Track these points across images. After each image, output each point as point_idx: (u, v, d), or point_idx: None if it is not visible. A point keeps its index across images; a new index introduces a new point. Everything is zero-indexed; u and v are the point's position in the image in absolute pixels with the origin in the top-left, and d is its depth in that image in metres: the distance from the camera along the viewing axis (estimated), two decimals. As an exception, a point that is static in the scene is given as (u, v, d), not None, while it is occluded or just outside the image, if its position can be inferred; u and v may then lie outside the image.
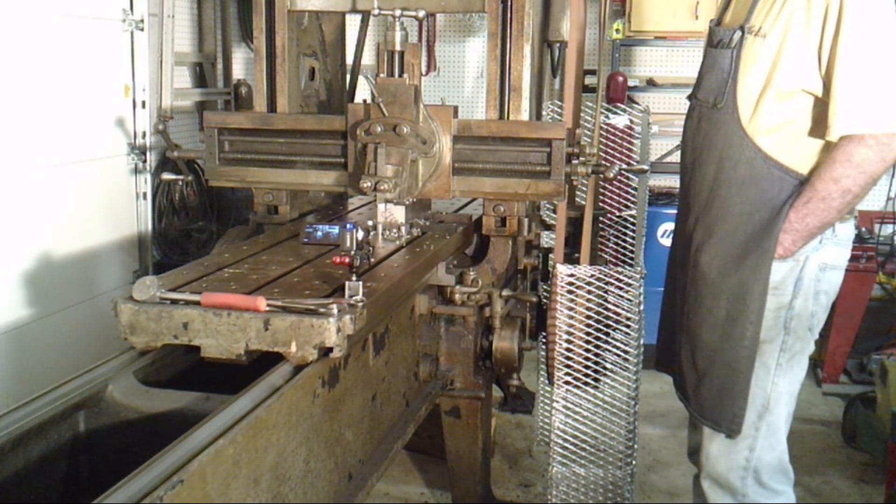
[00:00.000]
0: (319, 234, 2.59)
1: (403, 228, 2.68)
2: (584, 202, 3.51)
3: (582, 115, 3.52)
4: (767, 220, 2.34)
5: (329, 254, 2.40)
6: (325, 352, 1.82)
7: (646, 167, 3.53)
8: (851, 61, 2.18)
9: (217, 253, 2.46)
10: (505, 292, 2.87)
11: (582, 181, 3.32)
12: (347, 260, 1.94)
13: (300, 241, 2.59)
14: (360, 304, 1.89)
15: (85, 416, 1.87)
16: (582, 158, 2.73)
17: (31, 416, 1.74)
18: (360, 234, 2.03)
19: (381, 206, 2.70)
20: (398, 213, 2.69)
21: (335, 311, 1.81)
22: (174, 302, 1.89)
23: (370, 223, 2.73)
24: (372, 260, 2.33)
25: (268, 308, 1.84)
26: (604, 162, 3.07)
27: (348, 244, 2.00)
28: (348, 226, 2.03)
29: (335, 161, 2.87)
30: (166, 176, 4.17)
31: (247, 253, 2.43)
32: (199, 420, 1.61)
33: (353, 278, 1.92)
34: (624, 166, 3.60)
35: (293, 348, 1.80)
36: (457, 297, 2.73)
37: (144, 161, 4.16)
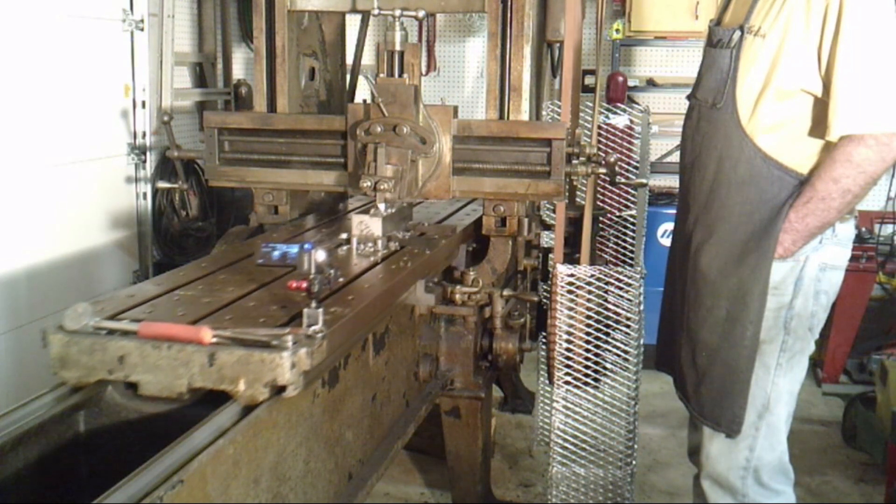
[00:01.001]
0: (276, 254, 2.33)
1: (380, 242, 2.50)
2: (583, 202, 3.51)
3: (581, 114, 3.53)
4: (767, 220, 2.33)
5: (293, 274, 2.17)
6: (278, 390, 1.64)
7: (644, 181, 3.53)
8: (851, 61, 2.18)
9: (172, 273, 2.26)
10: (506, 292, 2.85)
11: (582, 181, 3.33)
12: (305, 285, 1.74)
13: (255, 261, 2.35)
14: (320, 334, 1.68)
15: (85, 416, 1.83)
16: (582, 158, 2.74)
17: (31, 416, 1.72)
18: (321, 256, 1.79)
19: (355, 219, 2.53)
20: (374, 226, 2.51)
21: (290, 343, 1.62)
22: (111, 332, 1.71)
23: (344, 236, 2.56)
24: (341, 280, 2.13)
25: (214, 340, 1.65)
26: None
27: (306, 267, 1.78)
28: (306, 246, 1.81)
29: (335, 161, 2.87)
30: (162, 185, 4.17)
31: (204, 271, 2.25)
32: (198, 420, 1.59)
33: (313, 304, 1.72)
34: (622, 179, 3.59)
35: (241, 386, 1.61)
36: (457, 297, 2.72)
37: (144, 161, 4.16)
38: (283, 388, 1.63)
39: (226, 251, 2.55)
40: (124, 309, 1.88)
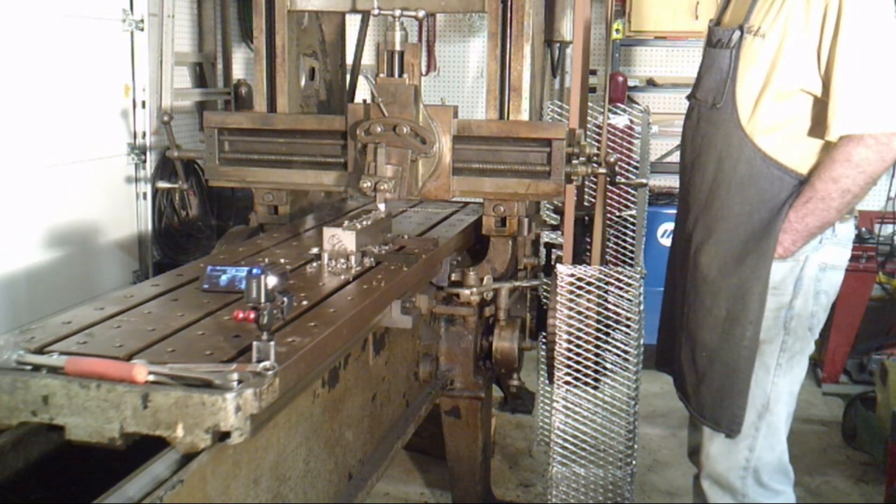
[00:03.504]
0: (224, 278, 2.09)
1: (353, 258, 2.31)
2: (585, 204, 3.51)
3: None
4: (767, 220, 2.33)
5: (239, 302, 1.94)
6: (223, 436, 1.45)
7: (645, 181, 3.52)
8: (850, 61, 2.18)
9: (119, 294, 2.05)
10: (510, 284, 2.81)
11: (588, 182, 3.32)
12: (252, 316, 1.55)
13: (201, 285, 2.10)
14: (270, 371, 1.50)
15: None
16: (582, 158, 2.73)
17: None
18: (272, 282, 1.57)
19: (326, 232, 2.35)
20: (347, 240, 2.31)
21: (235, 382, 1.45)
22: (36, 368, 1.54)
23: (315, 251, 2.39)
24: (305, 303, 1.96)
25: (150, 378, 1.47)
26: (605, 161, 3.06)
27: (254, 295, 1.56)
28: (255, 270, 1.58)
29: (335, 161, 2.88)
30: (162, 185, 4.18)
31: (154, 292, 2.05)
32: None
33: (264, 336, 1.55)
34: (622, 179, 3.58)
35: (179, 432, 1.44)
36: (462, 297, 2.69)
37: (144, 161, 4.16)
38: (227, 434, 1.45)
39: (186, 268, 2.32)
40: (56, 339, 1.70)
